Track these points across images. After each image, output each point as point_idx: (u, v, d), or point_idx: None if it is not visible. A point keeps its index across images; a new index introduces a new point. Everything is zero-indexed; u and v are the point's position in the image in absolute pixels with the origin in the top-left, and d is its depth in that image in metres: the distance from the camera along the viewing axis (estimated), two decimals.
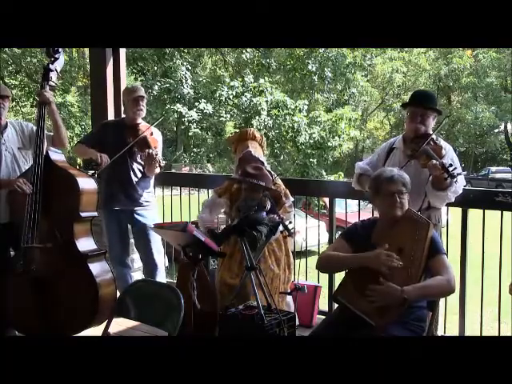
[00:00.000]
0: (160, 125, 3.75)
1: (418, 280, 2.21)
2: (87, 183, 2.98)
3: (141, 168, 3.60)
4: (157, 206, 3.83)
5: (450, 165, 2.56)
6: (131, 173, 3.55)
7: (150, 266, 3.68)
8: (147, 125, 3.65)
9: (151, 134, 3.60)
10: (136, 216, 3.59)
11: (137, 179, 3.57)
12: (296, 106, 13.39)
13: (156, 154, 3.45)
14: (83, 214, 2.92)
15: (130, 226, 3.72)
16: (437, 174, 2.59)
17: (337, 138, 13.36)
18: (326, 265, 2.48)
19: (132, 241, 3.82)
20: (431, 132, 2.83)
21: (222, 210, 3.19)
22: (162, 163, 3.50)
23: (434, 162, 2.58)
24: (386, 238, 2.33)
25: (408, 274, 2.20)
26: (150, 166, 3.54)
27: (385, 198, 2.35)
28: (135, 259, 4.11)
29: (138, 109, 3.54)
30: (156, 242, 3.66)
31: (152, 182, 3.73)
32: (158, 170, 3.61)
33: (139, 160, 3.58)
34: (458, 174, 2.58)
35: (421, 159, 2.69)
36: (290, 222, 2.70)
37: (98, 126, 3.81)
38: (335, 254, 2.39)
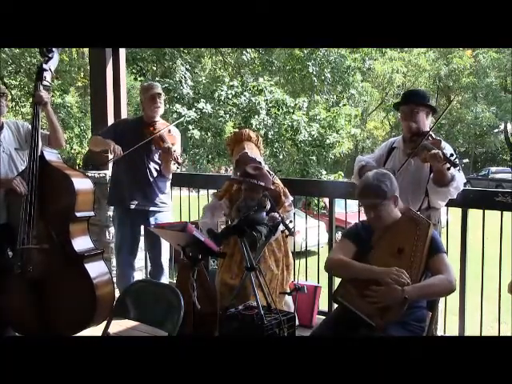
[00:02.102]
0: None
1: (419, 280, 2.21)
2: (83, 183, 2.96)
3: (158, 168, 3.56)
4: (172, 208, 3.77)
5: (451, 154, 2.58)
6: (148, 172, 3.51)
7: (157, 267, 3.68)
8: (165, 122, 3.62)
9: (169, 131, 3.56)
10: (151, 217, 3.55)
11: (153, 179, 3.53)
12: (296, 104, 13.35)
13: (174, 151, 3.39)
14: (79, 214, 2.91)
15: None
16: (438, 164, 2.58)
17: (335, 134, 13.30)
18: (338, 269, 2.41)
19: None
20: (427, 129, 2.84)
21: (223, 213, 3.16)
22: (180, 160, 3.45)
23: (435, 151, 2.58)
24: (386, 239, 2.33)
25: (408, 274, 2.20)
26: (167, 163, 3.50)
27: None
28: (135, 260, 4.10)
29: (155, 106, 3.51)
30: (165, 244, 3.63)
31: (168, 183, 3.69)
32: (174, 168, 3.57)
33: (156, 160, 3.54)
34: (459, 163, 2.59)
35: (421, 154, 2.68)
36: (291, 221, 2.70)
37: (114, 122, 3.77)
38: (347, 262, 2.32)
